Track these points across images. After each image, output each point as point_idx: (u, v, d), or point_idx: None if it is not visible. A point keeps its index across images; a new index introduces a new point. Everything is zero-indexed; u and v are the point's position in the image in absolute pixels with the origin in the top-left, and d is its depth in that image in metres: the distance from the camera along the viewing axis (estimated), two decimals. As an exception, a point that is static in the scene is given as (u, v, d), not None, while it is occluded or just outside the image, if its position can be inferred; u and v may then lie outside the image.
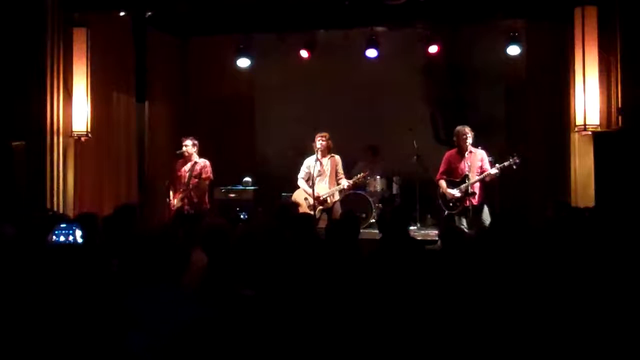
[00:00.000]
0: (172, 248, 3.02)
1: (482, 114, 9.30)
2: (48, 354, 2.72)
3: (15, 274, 3.33)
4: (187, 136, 8.30)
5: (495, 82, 9.70)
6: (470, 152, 7.37)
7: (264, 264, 3.10)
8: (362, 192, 9.26)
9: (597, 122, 7.60)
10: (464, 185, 7.31)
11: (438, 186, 7.62)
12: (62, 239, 3.95)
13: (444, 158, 7.63)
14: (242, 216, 8.82)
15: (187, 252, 3.22)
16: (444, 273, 3.34)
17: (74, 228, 4.05)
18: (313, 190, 7.67)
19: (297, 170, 8.14)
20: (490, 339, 2.83)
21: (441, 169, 7.60)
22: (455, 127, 7.59)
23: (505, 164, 7.23)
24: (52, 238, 4.23)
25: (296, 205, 7.46)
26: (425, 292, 3.10)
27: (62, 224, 4.16)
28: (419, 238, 8.02)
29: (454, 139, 7.50)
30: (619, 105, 7.39)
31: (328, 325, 2.87)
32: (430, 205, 9.26)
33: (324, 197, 7.72)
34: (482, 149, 7.52)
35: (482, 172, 7.32)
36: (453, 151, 7.56)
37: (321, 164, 7.82)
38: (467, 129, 7.38)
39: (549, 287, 3.21)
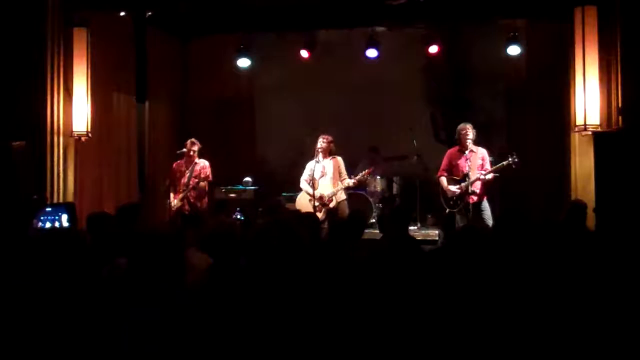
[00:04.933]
0: (173, 247, 3.02)
1: (482, 113, 9.31)
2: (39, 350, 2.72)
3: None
4: (191, 138, 8.30)
5: (496, 82, 9.70)
6: (472, 150, 7.36)
7: (277, 264, 3.08)
8: (362, 192, 9.27)
9: (597, 122, 7.59)
10: (464, 183, 7.31)
11: (439, 183, 7.61)
12: (47, 225, 3.92)
13: (446, 155, 7.63)
14: (239, 217, 8.83)
15: (183, 252, 3.22)
16: (444, 273, 3.33)
17: (60, 214, 4.01)
18: (314, 192, 7.68)
19: (297, 170, 8.14)
20: (491, 339, 2.82)
21: (442, 166, 7.60)
22: (456, 126, 7.60)
23: (504, 163, 7.24)
24: (37, 224, 4.19)
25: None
26: (426, 292, 3.09)
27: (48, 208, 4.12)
28: (419, 238, 8.04)
29: (456, 136, 7.51)
30: (619, 105, 7.39)
31: (328, 324, 2.87)
32: (430, 205, 9.27)
33: (329, 196, 7.73)
34: (483, 147, 7.51)
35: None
36: (455, 149, 7.56)
37: (323, 165, 7.83)
38: (468, 127, 7.38)
39: (550, 288, 3.20)
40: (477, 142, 7.45)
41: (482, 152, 7.43)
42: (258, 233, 3.25)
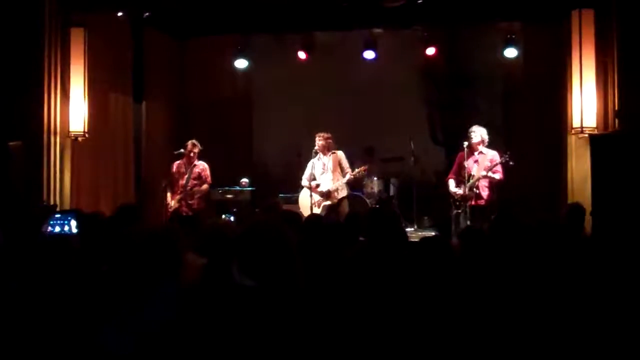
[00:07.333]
0: (170, 248, 3.01)
1: (480, 115, 9.31)
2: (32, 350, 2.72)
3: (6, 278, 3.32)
4: (190, 139, 8.27)
5: (493, 84, 9.72)
6: (481, 152, 7.40)
7: (266, 261, 3.08)
8: (359, 194, 9.26)
9: (594, 125, 7.62)
10: (467, 184, 7.34)
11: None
12: (57, 229, 3.93)
13: (456, 158, 7.66)
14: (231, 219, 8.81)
15: (182, 253, 3.21)
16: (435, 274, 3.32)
17: (69, 218, 4.02)
18: (311, 190, 7.71)
19: (295, 171, 8.15)
20: (485, 341, 2.83)
21: (452, 169, 7.66)
22: (453, 128, 7.62)
23: (497, 162, 7.27)
24: (47, 229, 4.19)
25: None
26: (413, 294, 3.09)
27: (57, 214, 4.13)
28: (415, 240, 8.03)
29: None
30: (616, 108, 7.41)
31: (326, 323, 2.87)
32: (427, 206, 9.27)
33: (330, 190, 7.75)
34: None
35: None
36: (465, 151, 7.55)
37: (323, 162, 7.87)
38: (475, 129, 7.40)
39: (543, 291, 3.20)
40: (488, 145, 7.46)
41: (491, 154, 7.42)
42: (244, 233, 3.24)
